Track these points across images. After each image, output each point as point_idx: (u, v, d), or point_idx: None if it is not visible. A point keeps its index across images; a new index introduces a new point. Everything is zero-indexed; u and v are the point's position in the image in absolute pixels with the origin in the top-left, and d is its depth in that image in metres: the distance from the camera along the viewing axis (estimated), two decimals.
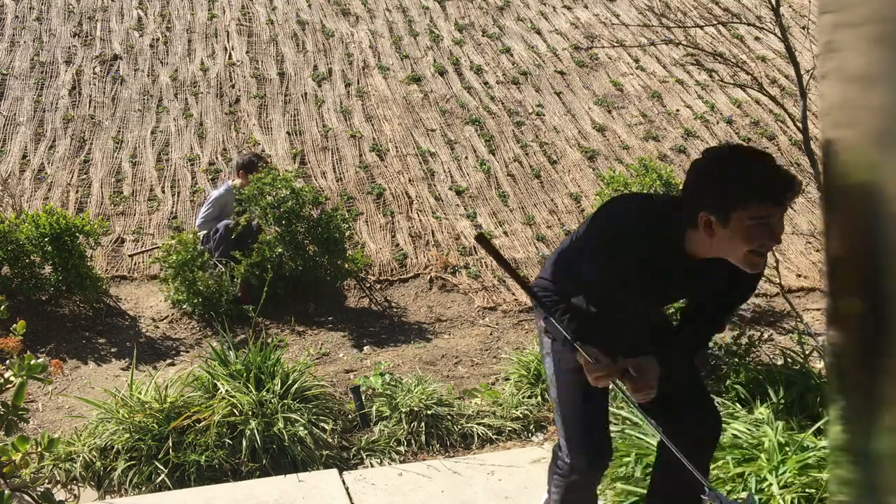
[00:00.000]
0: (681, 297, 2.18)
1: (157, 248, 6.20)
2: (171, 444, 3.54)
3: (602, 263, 2.08)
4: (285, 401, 3.80)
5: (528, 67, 9.00)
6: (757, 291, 6.04)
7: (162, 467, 3.49)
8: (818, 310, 5.71)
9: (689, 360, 2.35)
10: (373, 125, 8.06)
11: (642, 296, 2.15)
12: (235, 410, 3.70)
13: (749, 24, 5.36)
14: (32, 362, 2.40)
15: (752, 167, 1.89)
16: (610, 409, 2.46)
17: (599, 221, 2.13)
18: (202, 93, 8.37)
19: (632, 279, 2.05)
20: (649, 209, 2.12)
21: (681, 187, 2.08)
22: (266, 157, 6.30)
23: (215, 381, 3.88)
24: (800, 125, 4.40)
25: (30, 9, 9.43)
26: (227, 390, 3.78)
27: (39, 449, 2.52)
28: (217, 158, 7.48)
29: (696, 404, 2.35)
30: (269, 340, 4.69)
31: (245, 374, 3.89)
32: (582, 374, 2.18)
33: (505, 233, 6.74)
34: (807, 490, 2.82)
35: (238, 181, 5.88)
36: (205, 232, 5.79)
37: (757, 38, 9.47)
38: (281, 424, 3.66)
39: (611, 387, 2.23)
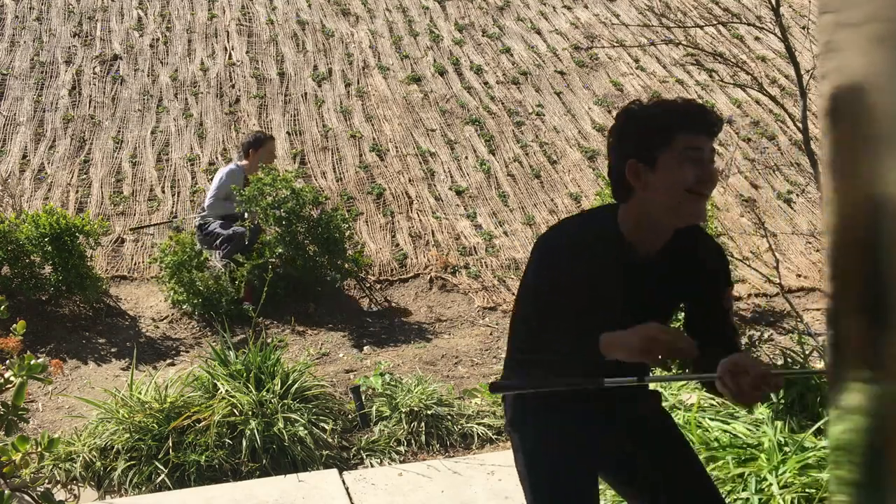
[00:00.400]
0: (647, 312, 1.83)
1: (162, 224, 6.21)
2: (171, 444, 3.54)
3: (539, 293, 1.87)
4: (285, 401, 3.80)
5: (528, 67, 9.00)
6: (757, 291, 6.04)
7: (162, 467, 3.49)
8: (818, 310, 5.71)
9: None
10: (373, 125, 8.06)
11: (598, 311, 1.83)
12: (235, 410, 3.70)
13: (749, 24, 5.37)
14: (32, 362, 2.40)
15: (669, 104, 1.82)
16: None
17: (529, 261, 1.93)
18: (202, 93, 8.37)
19: (577, 294, 1.81)
20: (575, 219, 1.98)
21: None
22: (270, 134, 6.28)
23: (215, 381, 3.88)
24: (800, 125, 4.40)
25: (30, 9, 9.43)
26: (227, 390, 3.78)
27: (39, 449, 2.52)
28: (217, 158, 7.48)
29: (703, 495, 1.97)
30: (269, 340, 4.69)
31: (245, 374, 3.89)
32: (562, 471, 1.90)
33: (505, 233, 6.74)
34: (807, 490, 2.82)
35: (245, 163, 5.83)
36: (208, 213, 5.70)
37: (757, 38, 9.47)
38: (281, 424, 3.66)
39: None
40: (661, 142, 1.75)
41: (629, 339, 1.68)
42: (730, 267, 2.00)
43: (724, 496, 2.79)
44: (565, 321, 1.82)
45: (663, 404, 2.20)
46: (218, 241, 5.63)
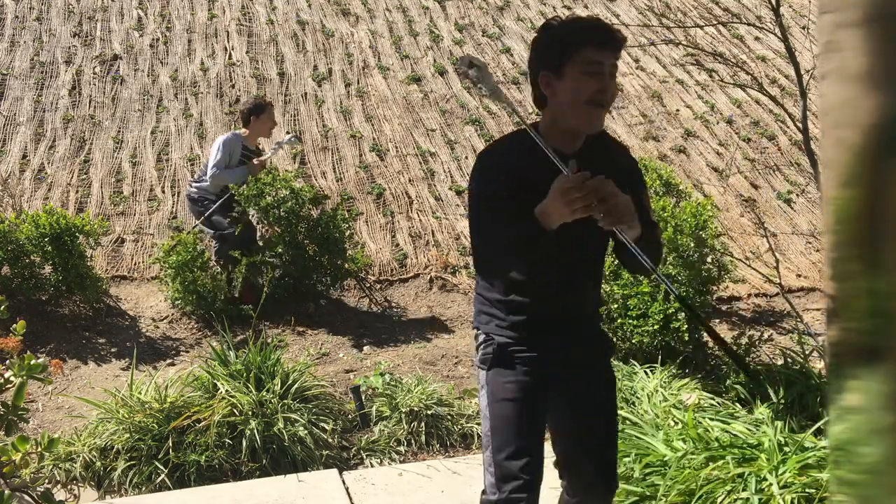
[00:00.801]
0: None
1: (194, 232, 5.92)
2: (171, 444, 3.54)
3: (482, 200, 2.05)
4: (285, 401, 3.80)
5: None
6: (757, 291, 6.04)
7: (162, 467, 3.49)
8: (818, 310, 5.71)
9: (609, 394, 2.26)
10: (373, 125, 8.06)
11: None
12: (235, 410, 3.70)
13: (749, 24, 5.36)
14: (32, 362, 2.40)
15: (577, 21, 2.05)
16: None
17: (469, 183, 2.16)
18: (202, 93, 8.37)
19: (519, 188, 1.99)
20: (506, 135, 2.23)
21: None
22: (269, 101, 6.03)
23: (215, 381, 3.88)
24: (800, 125, 4.40)
25: (30, 9, 9.43)
26: (227, 390, 3.78)
27: (39, 449, 2.51)
28: None
29: (595, 463, 2.22)
30: (270, 340, 4.69)
31: (245, 374, 3.89)
32: (516, 403, 2.11)
33: None
34: (807, 490, 2.82)
35: (246, 131, 5.61)
36: (210, 185, 5.47)
37: (757, 38, 9.47)
38: (281, 424, 3.66)
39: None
40: (568, 54, 1.96)
41: (549, 201, 1.85)
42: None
43: (720, 495, 2.79)
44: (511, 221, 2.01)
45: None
46: (212, 234, 5.59)
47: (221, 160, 5.46)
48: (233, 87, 8.51)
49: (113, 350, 5.06)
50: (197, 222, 5.69)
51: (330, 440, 3.79)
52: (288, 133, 5.75)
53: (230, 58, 8.93)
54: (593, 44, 1.95)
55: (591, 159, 2.02)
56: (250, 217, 5.60)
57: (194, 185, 5.66)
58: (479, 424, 3.99)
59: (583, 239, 2.04)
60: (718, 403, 3.71)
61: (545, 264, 2.04)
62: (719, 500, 2.87)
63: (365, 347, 5.15)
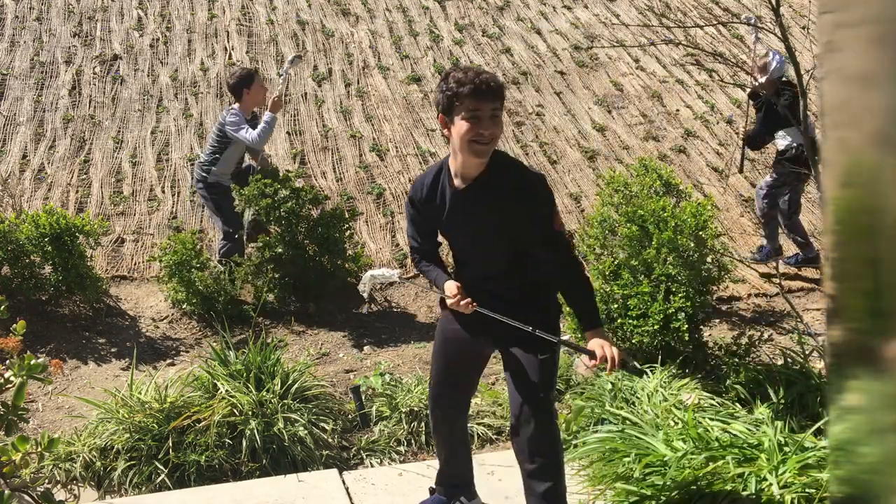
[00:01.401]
0: (482, 233, 2.66)
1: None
2: (171, 444, 3.54)
3: (406, 218, 2.84)
4: (285, 401, 3.80)
5: (528, 67, 9.00)
6: (757, 291, 6.04)
7: (162, 467, 3.49)
8: (818, 310, 5.71)
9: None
10: (373, 125, 8.06)
11: (449, 226, 2.72)
12: (235, 410, 3.70)
13: (749, 24, 5.36)
14: (32, 362, 2.40)
15: (465, 74, 2.48)
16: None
17: None
18: (202, 93, 8.37)
19: (427, 214, 2.72)
20: (428, 168, 2.81)
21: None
22: (255, 68, 5.85)
23: (215, 381, 3.88)
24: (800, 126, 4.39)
25: (30, 9, 9.43)
26: (227, 390, 3.78)
27: (39, 449, 2.51)
28: None
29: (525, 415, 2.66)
30: (269, 340, 4.69)
31: (245, 374, 3.89)
32: (445, 345, 2.88)
33: None
34: (807, 490, 2.83)
35: (237, 105, 5.44)
36: (220, 166, 5.39)
37: (757, 38, 9.46)
38: (281, 424, 3.66)
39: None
40: (455, 103, 2.48)
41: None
42: (552, 196, 2.69)
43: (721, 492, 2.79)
44: (437, 237, 2.83)
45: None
46: (220, 237, 5.58)
47: (246, 126, 5.31)
48: None
49: (113, 350, 5.06)
50: (216, 222, 5.64)
51: (330, 440, 3.79)
52: (293, 57, 5.67)
53: (230, 58, 8.93)
54: (475, 95, 2.43)
55: (483, 184, 2.57)
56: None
57: (213, 168, 5.50)
58: (478, 424, 4.00)
59: (489, 250, 2.68)
60: (718, 403, 3.71)
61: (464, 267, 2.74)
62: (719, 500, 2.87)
63: (365, 347, 5.15)
